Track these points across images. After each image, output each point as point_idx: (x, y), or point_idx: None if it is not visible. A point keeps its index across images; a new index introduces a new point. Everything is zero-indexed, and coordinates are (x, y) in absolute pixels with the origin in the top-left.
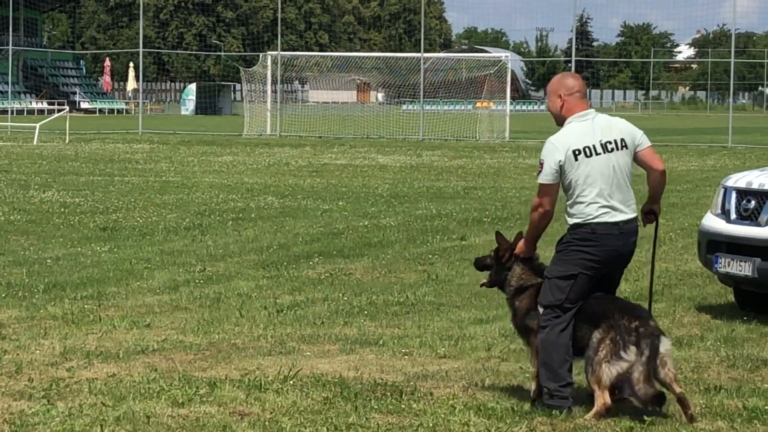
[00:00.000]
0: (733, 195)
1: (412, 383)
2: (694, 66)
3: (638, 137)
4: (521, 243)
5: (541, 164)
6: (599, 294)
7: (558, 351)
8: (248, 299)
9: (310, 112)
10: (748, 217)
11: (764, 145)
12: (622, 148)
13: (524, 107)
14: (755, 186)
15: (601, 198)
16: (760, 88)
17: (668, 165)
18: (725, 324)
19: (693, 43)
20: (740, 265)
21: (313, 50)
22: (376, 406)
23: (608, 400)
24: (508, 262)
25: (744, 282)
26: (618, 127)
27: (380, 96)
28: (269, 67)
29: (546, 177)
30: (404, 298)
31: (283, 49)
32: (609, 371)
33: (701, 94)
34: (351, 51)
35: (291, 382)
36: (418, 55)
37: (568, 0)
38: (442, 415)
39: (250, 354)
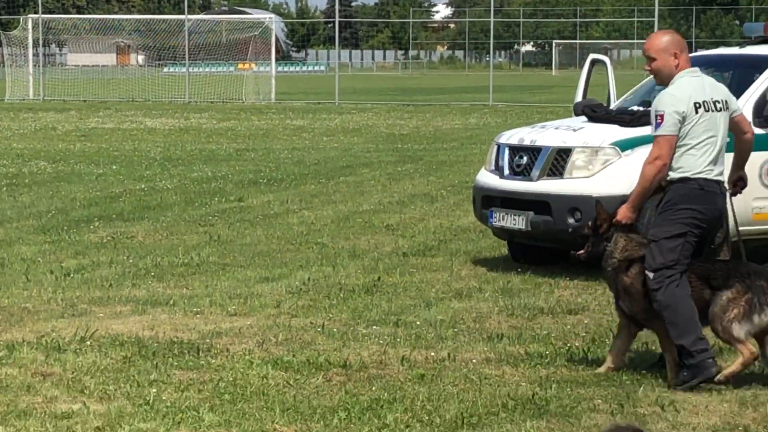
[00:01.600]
0: (506, 151)
1: (207, 340)
2: (452, 25)
3: (734, 102)
4: (623, 207)
5: (660, 116)
6: (708, 260)
7: (682, 304)
8: (33, 264)
9: (72, 75)
10: (521, 172)
11: (523, 102)
12: (725, 110)
13: (287, 68)
14: (527, 142)
15: (711, 155)
16: (516, 46)
17: (432, 124)
18: (501, 276)
19: (450, 3)
20: (514, 219)
21: (70, 13)
22: (175, 363)
23: (751, 348)
24: (607, 233)
25: (518, 235)
26: (721, 89)
27: (140, 59)
28: (30, 31)
29: (668, 128)
30: (189, 259)
31: (41, 12)
32: (739, 329)
33: (459, 53)
34: (109, 13)
35: (88, 342)
36: (183, 17)
37: None
38: (241, 370)
39: (42, 317)
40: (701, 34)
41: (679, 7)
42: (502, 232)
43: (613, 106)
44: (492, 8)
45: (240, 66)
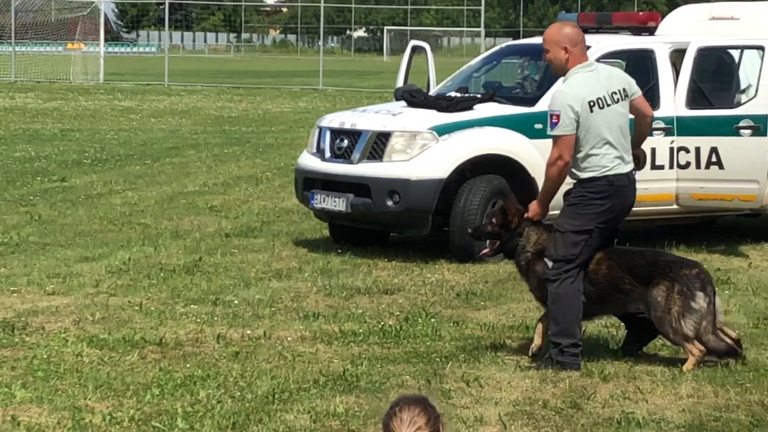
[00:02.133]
0: (328, 134)
1: (23, 319)
2: (284, 9)
3: (633, 86)
4: (534, 204)
5: (556, 116)
6: (628, 248)
7: (571, 307)
8: None
9: None
10: (341, 155)
11: (353, 87)
12: (624, 98)
13: (117, 49)
14: (348, 126)
15: (614, 150)
16: (348, 31)
17: (262, 107)
18: (321, 256)
19: None
20: (334, 201)
21: None
22: None
23: (701, 347)
24: (519, 227)
25: (338, 217)
26: (618, 77)
27: None
28: None
29: (565, 128)
30: (8, 238)
31: None
32: (688, 323)
33: (292, 37)
34: None
35: None
36: None
37: None
38: (55, 348)
39: None
40: (529, 23)
41: None
42: (323, 214)
43: (432, 92)
44: None
45: (69, 46)
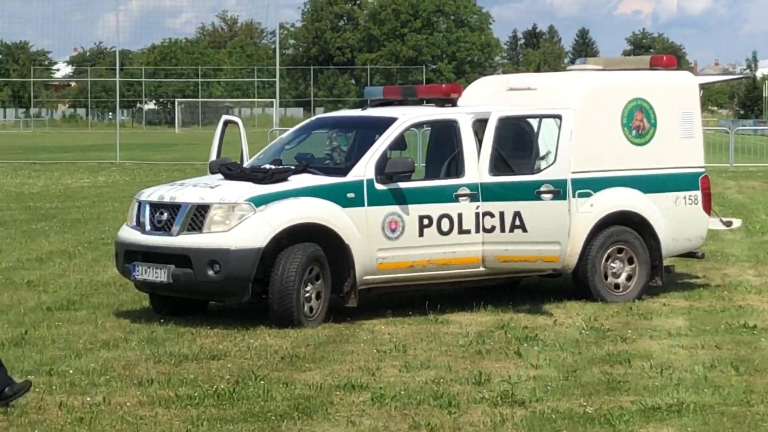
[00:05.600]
0: (147, 208)
1: None
2: (72, 84)
3: None
4: None
5: None
6: None
7: None
8: None
9: None
10: (162, 227)
11: (149, 160)
12: None
13: None
14: (167, 200)
15: None
16: (138, 104)
17: (61, 182)
18: (145, 326)
19: (71, 61)
20: (156, 272)
21: None
22: None
23: None
24: None
25: (159, 287)
26: None
27: None
28: None
29: None
30: None
31: None
32: None
33: (81, 111)
34: None
35: None
36: None
37: None
38: None
39: None
40: (319, 92)
41: (297, 67)
42: (144, 285)
43: (246, 164)
44: (117, 67)
45: None
